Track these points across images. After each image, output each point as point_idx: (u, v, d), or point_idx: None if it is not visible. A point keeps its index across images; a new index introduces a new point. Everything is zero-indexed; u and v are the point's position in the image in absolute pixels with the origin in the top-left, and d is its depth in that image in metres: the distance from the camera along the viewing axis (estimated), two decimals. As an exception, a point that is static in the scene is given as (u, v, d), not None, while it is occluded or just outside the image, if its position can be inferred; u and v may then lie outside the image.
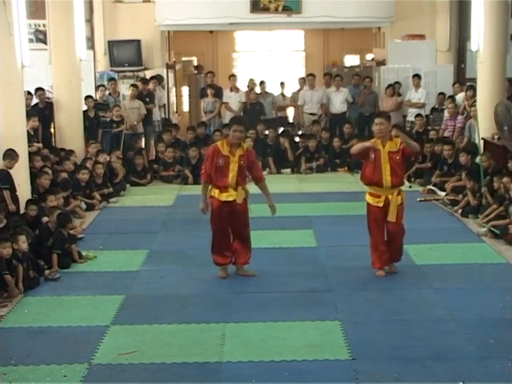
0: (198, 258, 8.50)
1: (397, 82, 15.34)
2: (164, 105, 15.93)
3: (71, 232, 8.83)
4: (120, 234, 9.82)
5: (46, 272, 7.95)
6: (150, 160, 14.09)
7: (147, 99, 14.63)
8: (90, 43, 15.58)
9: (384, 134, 7.64)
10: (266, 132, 14.86)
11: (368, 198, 7.75)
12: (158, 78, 15.49)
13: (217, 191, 7.60)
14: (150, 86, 14.89)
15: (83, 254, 8.65)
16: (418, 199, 11.42)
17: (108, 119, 13.97)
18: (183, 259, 8.56)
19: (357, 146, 7.79)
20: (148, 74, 15.75)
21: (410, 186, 12.42)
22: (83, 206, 10.92)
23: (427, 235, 9.33)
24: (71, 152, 12.17)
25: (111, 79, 15.01)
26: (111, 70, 15.74)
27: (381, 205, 7.63)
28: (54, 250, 8.22)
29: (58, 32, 12.42)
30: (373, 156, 7.58)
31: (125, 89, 15.13)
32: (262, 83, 16.13)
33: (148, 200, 11.98)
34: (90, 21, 15.70)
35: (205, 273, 7.94)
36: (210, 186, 7.67)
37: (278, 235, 9.54)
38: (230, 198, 7.58)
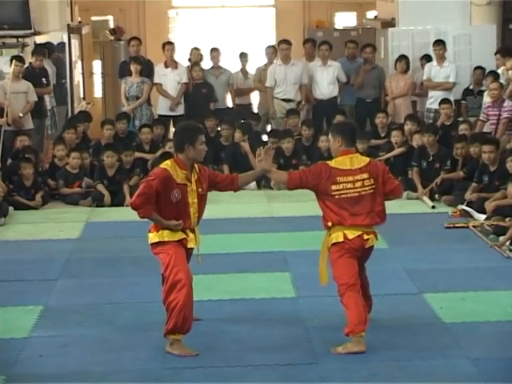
0: (118, 316, 8.43)
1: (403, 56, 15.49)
2: (54, 86, 15.73)
3: None
4: (-1, 282, 9.77)
5: None
6: (45, 170, 14.03)
7: (44, 80, 14.58)
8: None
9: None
10: (219, 128, 14.90)
11: None
12: (47, 47, 15.43)
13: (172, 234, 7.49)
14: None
15: None
16: (445, 225, 11.50)
17: (-21, 109, 13.91)
18: (95, 319, 8.47)
19: None
20: (40, 41, 15.71)
21: (434, 206, 12.50)
22: None
23: (459, 279, 9.38)
24: None
25: (-17, 49, 14.99)
26: (-18, 36, 15.71)
27: None
28: None
29: None
30: None
31: (4, 63, 15.05)
32: (213, 51, 16.13)
33: (42, 230, 11.91)
34: None
35: (128, 339, 7.88)
36: (155, 232, 7.51)
37: (241, 281, 9.51)
38: (189, 245, 7.54)
